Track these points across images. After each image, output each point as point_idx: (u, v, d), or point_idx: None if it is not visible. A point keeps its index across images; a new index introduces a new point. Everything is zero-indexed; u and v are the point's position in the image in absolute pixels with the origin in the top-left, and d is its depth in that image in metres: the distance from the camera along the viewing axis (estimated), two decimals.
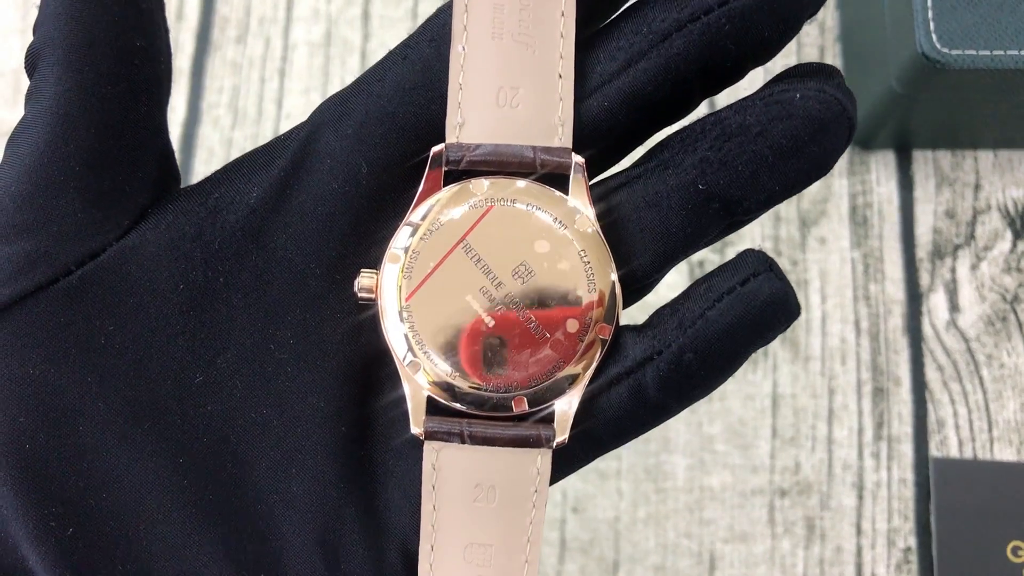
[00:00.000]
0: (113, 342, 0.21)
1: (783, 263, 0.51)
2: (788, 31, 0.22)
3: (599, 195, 0.23)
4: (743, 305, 0.21)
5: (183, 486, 0.21)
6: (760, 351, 0.50)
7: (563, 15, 0.22)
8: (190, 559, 0.21)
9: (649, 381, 0.22)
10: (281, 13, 0.56)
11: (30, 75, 0.21)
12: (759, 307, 0.21)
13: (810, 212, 0.52)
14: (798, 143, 0.21)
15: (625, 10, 0.23)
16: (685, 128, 0.22)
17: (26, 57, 0.22)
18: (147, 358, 0.21)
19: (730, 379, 0.49)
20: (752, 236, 0.51)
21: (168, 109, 0.54)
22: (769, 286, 0.21)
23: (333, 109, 0.22)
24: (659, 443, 0.50)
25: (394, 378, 0.22)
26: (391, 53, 0.23)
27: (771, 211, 0.51)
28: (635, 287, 0.23)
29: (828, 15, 0.54)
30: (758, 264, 0.21)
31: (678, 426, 0.50)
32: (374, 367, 0.23)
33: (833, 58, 0.54)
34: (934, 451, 0.49)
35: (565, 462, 0.23)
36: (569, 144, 0.22)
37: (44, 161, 0.21)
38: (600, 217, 0.22)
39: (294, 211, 0.22)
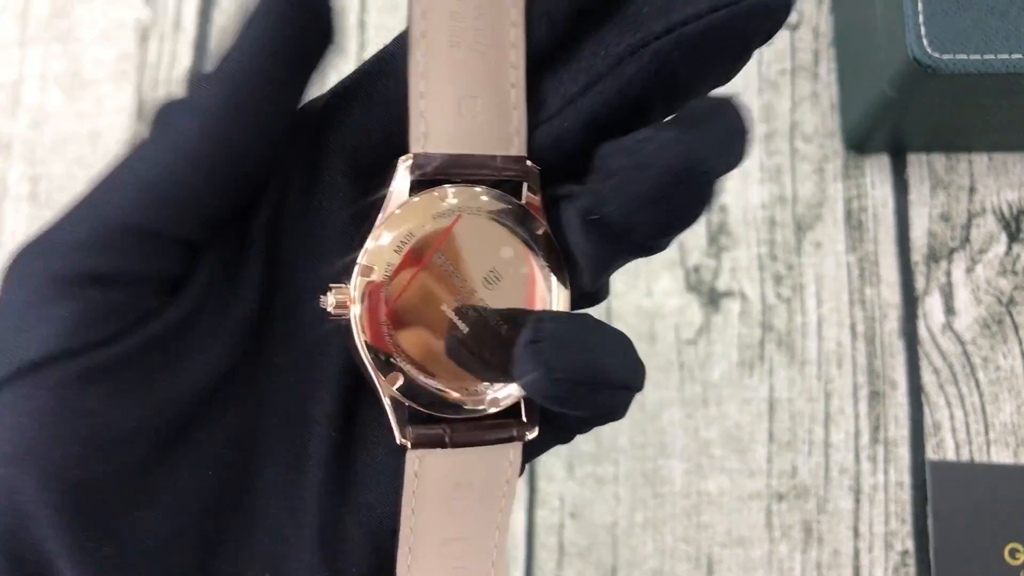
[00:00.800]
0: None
1: (778, 267, 0.51)
2: (738, 58, 0.22)
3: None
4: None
5: (206, 499, 0.23)
6: (756, 356, 0.50)
7: (513, 25, 0.22)
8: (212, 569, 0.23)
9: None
10: None
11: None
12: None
13: (805, 216, 0.52)
14: (663, 192, 0.21)
15: (591, 31, 0.23)
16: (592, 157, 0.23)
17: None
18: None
19: (727, 384, 0.49)
20: (748, 241, 0.51)
21: None
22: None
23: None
24: (656, 448, 0.50)
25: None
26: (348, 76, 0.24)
27: (767, 215, 0.51)
28: (585, 293, 0.24)
29: (822, 20, 0.55)
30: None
31: (675, 431, 0.50)
32: (359, 374, 0.24)
33: (827, 62, 0.54)
34: (931, 454, 0.49)
35: (535, 448, 0.24)
36: (524, 152, 0.23)
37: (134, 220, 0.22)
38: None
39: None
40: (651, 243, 0.22)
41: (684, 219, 0.22)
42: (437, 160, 0.22)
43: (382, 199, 0.23)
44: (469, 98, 0.22)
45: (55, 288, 0.21)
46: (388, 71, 0.23)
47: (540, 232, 0.23)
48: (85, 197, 0.22)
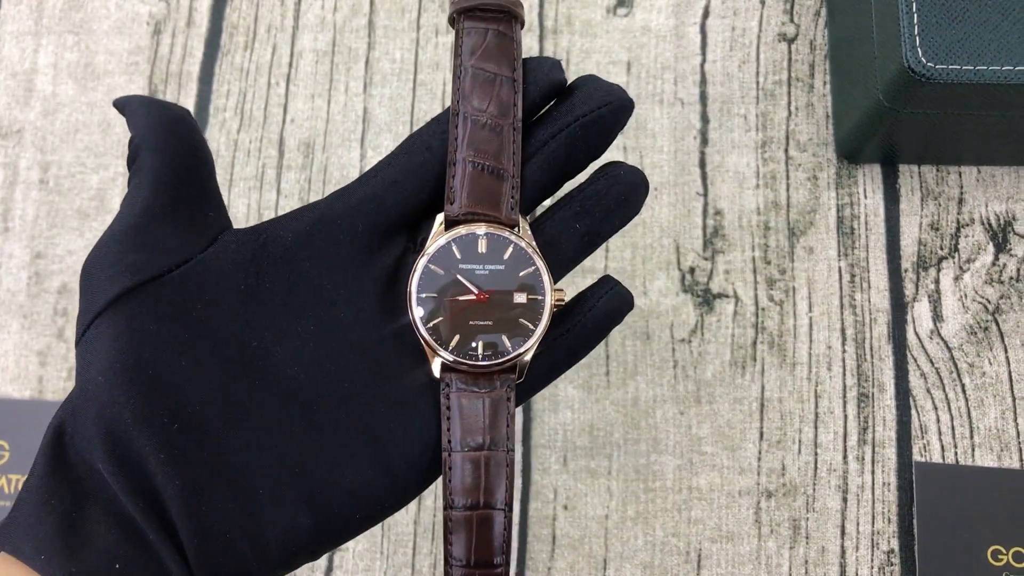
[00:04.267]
0: (200, 315, 0.32)
1: (771, 271, 0.53)
2: (609, 137, 0.35)
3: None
4: (615, 298, 0.35)
5: (247, 406, 0.31)
6: (748, 357, 0.51)
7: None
8: (256, 448, 0.31)
9: (560, 347, 0.34)
10: (289, 21, 0.57)
11: (131, 162, 0.34)
12: (621, 300, 0.35)
13: (798, 222, 0.53)
14: (626, 197, 0.35)
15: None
16: (565, 196, 0.35)
17: (129, 155, 0.34)
18: (221, 327, 0.32)
19: (719, 383, 0.50)
20: (742, 245, 0.53)
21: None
22: (622, 290, 0.35)
23: (341, 193, 0.34)
24: (649, 444, 0.51)
25: (393, 348, 0.33)
26: (382, 161, 0.34)
27: (761, 220, 0.53)
28: None
29: (818, 34, 0.56)
30: (615, 281, 0.35)
31: (668, 428, 0.51)
32: (376, 350, 0.33)
33: (822, 75, 0.55)
34: (917, 456, 0.50)
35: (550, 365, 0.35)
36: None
37: (149, 205, 0.33)
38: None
39: (315, 249, 0.33)
40: (604, 241, 0.35)
41: (633, 214, 0.35)
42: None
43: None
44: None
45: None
46: (395, 165, 0.34)
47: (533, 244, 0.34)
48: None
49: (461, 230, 0.33)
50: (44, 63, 0.57)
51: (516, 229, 0.34)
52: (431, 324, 0.33)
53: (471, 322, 0.33)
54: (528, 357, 0.33)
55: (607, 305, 0.35)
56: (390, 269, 0.34)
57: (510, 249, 0.34)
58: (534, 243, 0.34)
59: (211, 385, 0.31)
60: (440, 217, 0.34)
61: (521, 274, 0.34)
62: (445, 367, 0.33)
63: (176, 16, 0.57)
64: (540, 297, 0.33)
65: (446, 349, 0.33)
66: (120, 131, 0.56)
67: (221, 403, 0.31)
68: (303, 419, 0.32)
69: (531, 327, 0.33)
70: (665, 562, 0.50)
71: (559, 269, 0.35)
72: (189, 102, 0.56)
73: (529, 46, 0.57)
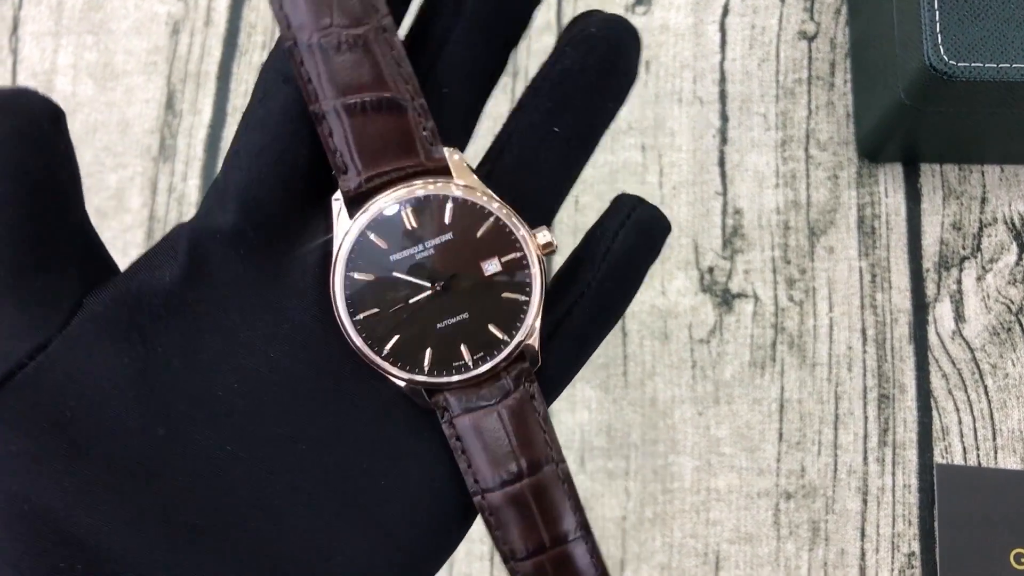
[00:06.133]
0: (77, 414, 0.23)
1: (791, 271, 0.52)
2: (526, 13, 0.25)
3: (481, 167, 0.25)
4: (636, 230, 0.25)
5: (168, 517, 0.23)
6: (768, 357, 0.51)
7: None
8: (181, 568, 0.23)
9: (581, 313, 0.25)
10: None
11: None
12: (647, 228, 0.25)
13: (819, 222, 0.53)
14: (613, 63, 0.24)
15: (420, 31, 0.25)
16: (524, 94, 0.25)
17: None
18: (108, 422, 0.23)
19: (738, 383, 0.50)
20: (762, 244, 0.52)
21: (194, 112, 0.55)
22: (647, 212, 0.25)
23: (213, 194, 0.25)
24: (667, 445, 0.51)
25: (352, 377, 0.24)
26: (239, 125, 0.25)
27: (781, 219, 0.52)
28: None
29: (839, 32, 0.56)
30: (633, 202, 0.25)
31: (686, 428, 0.51)
32: (329, 387, 0.25)
33: (843, 73, 0.55)
34: (938, 458, 0.50)
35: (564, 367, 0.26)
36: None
37: None
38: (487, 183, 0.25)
39: (206, 283, 0.24)
40: (603, 132, 0.25)
41: (629, 84, 0.25)
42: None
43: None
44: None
45: None
46: (254, 126, 0.24)
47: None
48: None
49: (372, 208, 0.23)
50: (64, 63, 0.58)
51: (449, 173, 0.24)
52: (388, 351, 0.24)
53: (439, 325, 0.24)
54: (534, 338, 0.24)
55: (627, 242, 0.25)
56: (316, 268, 0.24)
57: (449, 206, 0.23)
58: (480, 183, 0.24)
59: (110, 505, 0.23)
60: (337, 198, 0.24)
61: (479, 233, 0.24)
62: (431, 391, 0.24)
63: (194, 16, 0.58)
64: (519, 253, 0.24)
65: (423, 373, 0.24)
66: (138, 130, 0.56)
67: (132, 525, 0.23)
68: (258, 512, 0.24)
69: (523, 298, 0.24)
70: (683, 564, 0.49)
71: (548, 201, 0.25)
72: (207, 101, 0.56)
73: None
